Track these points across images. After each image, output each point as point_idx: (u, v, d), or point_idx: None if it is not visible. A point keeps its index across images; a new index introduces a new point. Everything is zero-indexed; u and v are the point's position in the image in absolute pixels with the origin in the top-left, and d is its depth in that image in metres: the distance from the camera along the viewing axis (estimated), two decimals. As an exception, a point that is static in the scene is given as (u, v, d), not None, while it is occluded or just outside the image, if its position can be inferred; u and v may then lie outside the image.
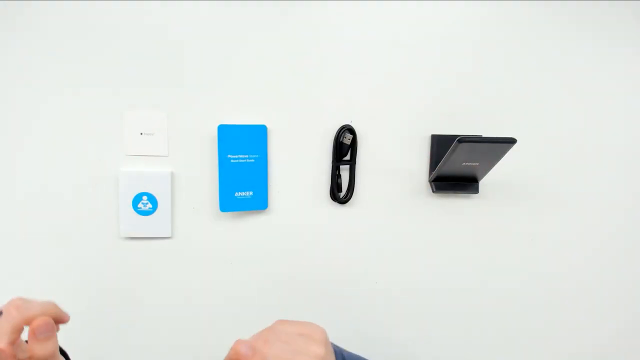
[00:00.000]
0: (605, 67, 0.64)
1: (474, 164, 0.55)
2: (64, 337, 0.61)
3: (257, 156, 0.61)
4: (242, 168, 0.60)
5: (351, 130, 0.61)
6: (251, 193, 0.61)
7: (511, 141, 0.50)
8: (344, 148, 0.62)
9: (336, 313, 0.63)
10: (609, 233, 0.66)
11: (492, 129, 0.63)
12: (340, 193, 0.63)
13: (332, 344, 0.47)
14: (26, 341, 0.36)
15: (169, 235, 0.62)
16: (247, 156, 0.60)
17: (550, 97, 0.64)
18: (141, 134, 0.60)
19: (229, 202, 0.60)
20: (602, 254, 0.67)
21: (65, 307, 0.59)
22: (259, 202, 0.62)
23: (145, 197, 0.60)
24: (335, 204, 0.64)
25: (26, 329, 0.34)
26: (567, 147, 0.65)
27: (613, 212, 0.66)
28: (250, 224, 0.63)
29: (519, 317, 0.67)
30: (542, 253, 0.66)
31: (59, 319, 0.38)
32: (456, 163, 0.55)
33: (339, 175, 0.62)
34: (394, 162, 0.64)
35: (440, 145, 0.62)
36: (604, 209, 0.66)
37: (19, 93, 0.58)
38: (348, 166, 0.63)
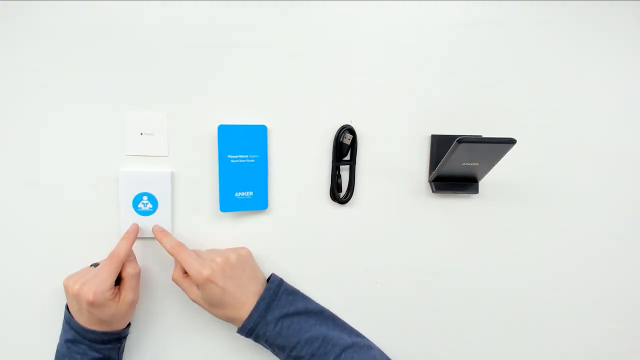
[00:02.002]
0: (605, 67, 0.64)
1: (473, 164, 0.55)
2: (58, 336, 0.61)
3: (257, 156, 0.61)
4: (242, 168, 0.60)
5: (351, 131, 0.61)
6: (251, 193, 0.61)
7: (511, 141, 0.50)
8: (344, 148, 0.62)
9: (335, 312, 0.63)
10: (610, 233, 0.66)
11: (492, 129, 0.63)
12: (340, 193, 0.63)
13: (274, 274, 0.61)
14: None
15: (169, 235, 0.62)
16: (247, 156, 0.60)
17: (550, 97, 0.64)
18: (141, 134, 0.60)
19: (229, 202, 0.60)
20: (604, 254, 0.67)
21: (63, 308, 0.59)
22: (259, 202, 0.62)
23: (145, 197, 0.60)
24: (335, 204, 0.64)
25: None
26: (567, 147, 0.65)
27: (615, 212, 0.66)
28: (250, 224, 0.63)
29: (519, 317, 0.67)
30: (543, 253, 0.66)
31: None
32: (456, 163, 0.55)
33: (339, 175, 0.62)
34: (394, 162, 0.64)
35: (440, 145, 0.62)
36: (605, 208, 0.66)
37: (18, 93, 0.58)
38: (348, 166, 0.63)
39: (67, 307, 0.56)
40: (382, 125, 0.63)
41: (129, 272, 0.56)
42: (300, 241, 0.64)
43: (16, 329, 0.62)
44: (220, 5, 0.59)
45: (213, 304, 0.56)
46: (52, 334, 0.60)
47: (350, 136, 0.61)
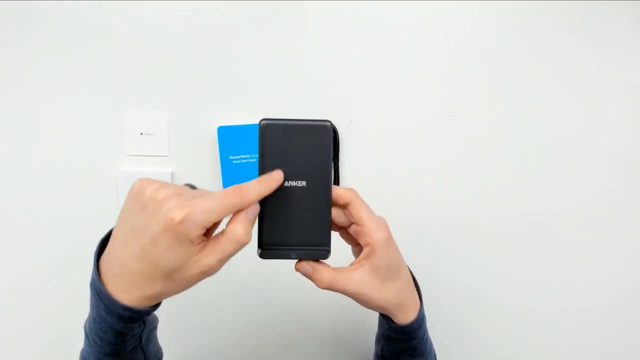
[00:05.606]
0: (604, 68, 0.64)
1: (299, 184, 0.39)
2: (62, 335, 0.61)
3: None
4: (245, 168, 0.60)
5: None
6: (254, 193, 0.61)
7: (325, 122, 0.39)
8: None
9: (335, 311, 0.63)
10: (610, 233, 0.67)
11: (491, 129, 0.64)
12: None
13: None
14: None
15: (169, 236, 0.62)
16: (248, 156, 0.60)
17: (549, 98, 0.64)
18: (141, 134, 0.60)
19: (231, 203, 0.60)
20: (604, 255, 0.67)
21: (64, 307, 0.59)
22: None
23: (145, 197, 0.60)
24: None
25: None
26: (567, 148, 0.65)
27: (615, 213, 0.66)
28: (255, 223, 0.63)
29: (518, 317, 0.68)
30: (542, 254, 0.67)
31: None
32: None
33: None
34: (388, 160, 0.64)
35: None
36: (606, 209, 0.66)
37: (18, 93, 0.58)
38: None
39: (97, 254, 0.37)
40: (382, 124, 0.63)
41: (233, 230, 0.35)
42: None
43: (15, 328, 0.61)
44: (220, 5, 0.59)
45: (390, 273, 0.40)
46: (51, 332, 0.59)
47: None
